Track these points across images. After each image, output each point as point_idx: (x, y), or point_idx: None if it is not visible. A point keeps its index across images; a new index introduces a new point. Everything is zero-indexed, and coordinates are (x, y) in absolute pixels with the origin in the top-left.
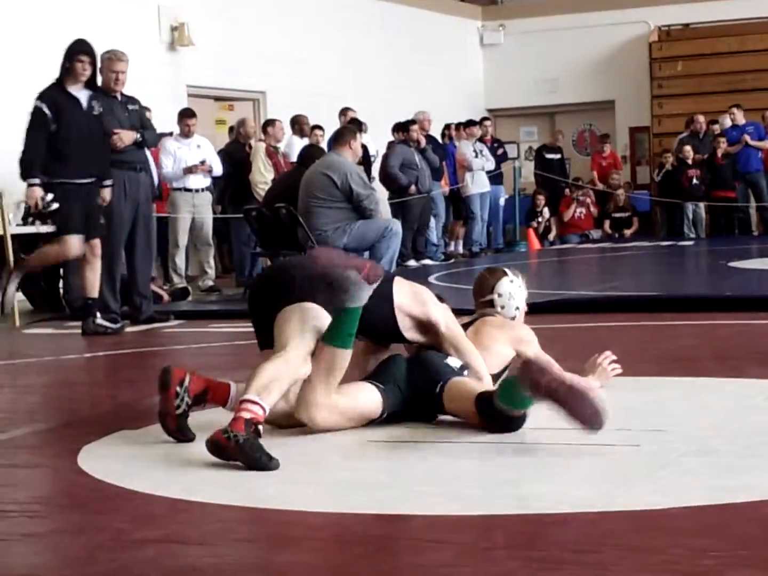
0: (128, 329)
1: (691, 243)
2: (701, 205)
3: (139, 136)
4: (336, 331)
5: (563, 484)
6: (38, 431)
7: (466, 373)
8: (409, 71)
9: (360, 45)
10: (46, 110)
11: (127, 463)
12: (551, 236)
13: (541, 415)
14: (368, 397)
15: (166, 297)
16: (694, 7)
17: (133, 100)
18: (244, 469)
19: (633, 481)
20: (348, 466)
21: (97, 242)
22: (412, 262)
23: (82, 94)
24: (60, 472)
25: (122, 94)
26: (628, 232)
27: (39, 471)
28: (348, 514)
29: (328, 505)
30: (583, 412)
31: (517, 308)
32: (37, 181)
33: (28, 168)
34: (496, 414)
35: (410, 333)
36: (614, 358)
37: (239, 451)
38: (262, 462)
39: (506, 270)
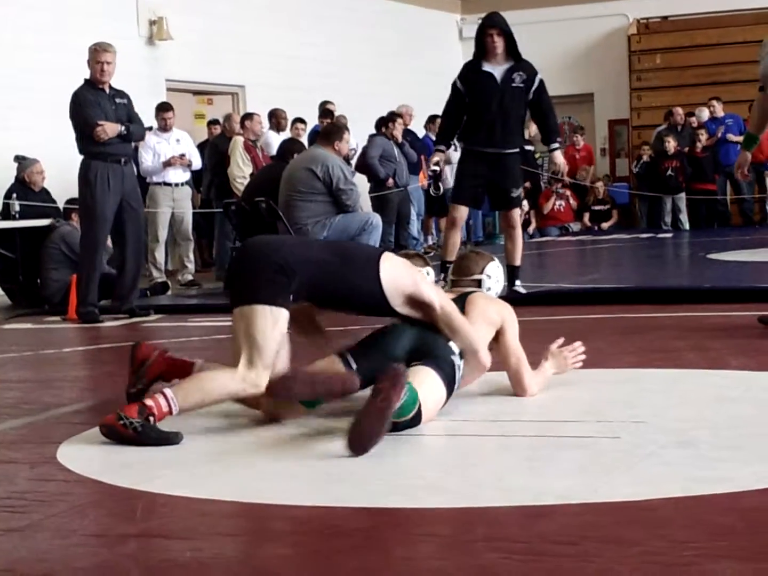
0: (108, 323)
1: (670, 235)
2: (682, 196)
3: (123, 128)
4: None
5: (545, 476)
6: (18, 426)
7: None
8: (388, 65)
9: (339, 39)
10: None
11: (107, 458)
12: (531, 229)
13: (523, 409)
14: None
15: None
16: None
17: (121, 93)
18: (227, 464)
19: (614, 472)
20: (332, 460)
21: None
22: None
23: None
24: (40, 467)
25: (110, 87)
26: (606, 225)
27: (18, 466)
28: (332, 507)
29: (312, 498)
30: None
31: (497, 294)
32: None
33: None
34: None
35: (403, 309)
36: (582, 350)
37: (139, 438)
38: (168, 439)
39: (489, 255)
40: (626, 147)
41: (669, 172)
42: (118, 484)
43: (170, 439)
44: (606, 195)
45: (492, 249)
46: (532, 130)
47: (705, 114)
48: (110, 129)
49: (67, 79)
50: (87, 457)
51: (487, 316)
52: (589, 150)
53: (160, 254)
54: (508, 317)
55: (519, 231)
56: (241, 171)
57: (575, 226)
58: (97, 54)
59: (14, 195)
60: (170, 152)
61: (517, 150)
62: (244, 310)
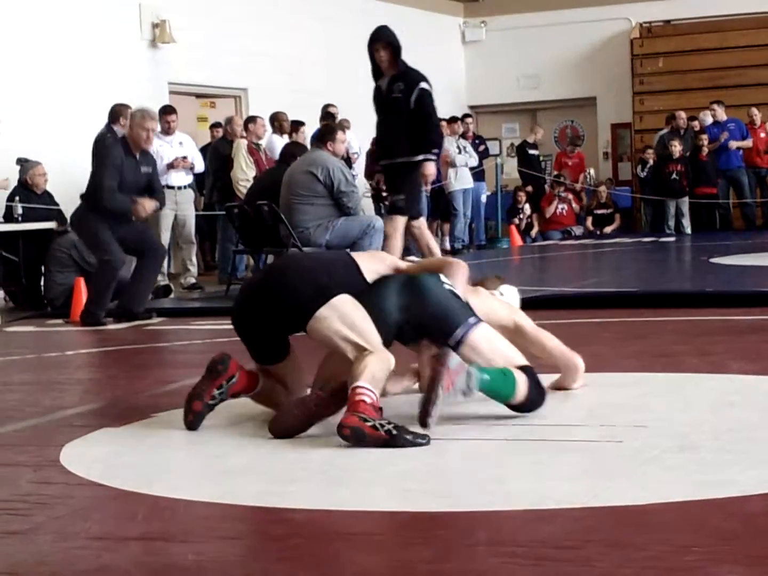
0: (111, 327)
1: (672, 239)
2: (685, 200)
3: (157, 204)
4: None
5: (547, 480)
6: (20, 429)
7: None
8: None
9: (342, 42)
10: None
11: (109, 461)
12: (533, 233)
13: (524, 412)
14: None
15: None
16: (675, 3)
17: (150, 159)
18: (228, 467)
19: (616, 477)
20: (332, 464)
21: None
22: None
23: None
24: (42, 470)
25: (141, 152)
26: (609, 229)
27: (21, 469)
28: (332, 510)
29: (312, 501)
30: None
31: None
32: None
33: None
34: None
35: None
36: None
37: (392, 440)
38: (416, 442)
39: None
40: (629, 151)
41: (673, 176)
42: (120, 487)
43: (419, 440)
44: (609, 199)
45: (495, 253)
46: (538, 134)
47: (709, 118)
48: (148, 206)
49: (69, 81)
50: (89, 460)
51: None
52: (581, 157)
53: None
54: (515, 310)
55: (395, 239)
56: (245, 174)
57: (578, 230)
58: (144, 121)
59: (17, 198)
60: (173, 155)
61: (400, 160)
62: (322, 312)
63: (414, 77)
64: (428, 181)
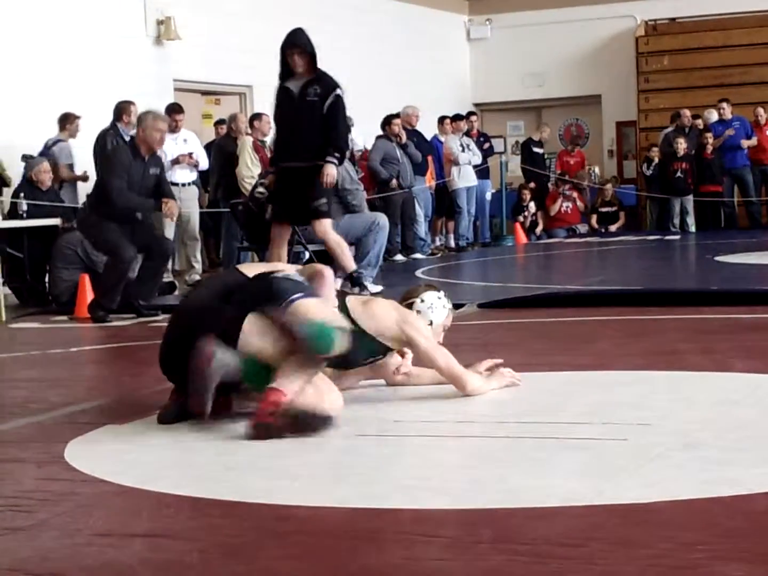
0: (116, 323)
1: (677, 237)
2: (690, 198)
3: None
4: None
5: (551, 477)
6: (25, 425)
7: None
8: (395, 65)
9: (347, 39)
10: None
11: (114, 457)
12: (538, 230)
13: (528, 410)
14: None
15: None
16: (680, 1)
17: (157, 161)
18: (232, 464)
19: (620, 474)
20: (336, 461)
21: None
22: (399, 257)
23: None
24: (46, 466)
25: (150, 154)
26: (613, 227)
27: (25, 465)
28: (336, 508)
29: (315, 499)
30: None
31: (430, 323)
32: None
33: None
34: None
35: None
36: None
37: (290, 423)
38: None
39: (440, 289)
40: (634, 149)
41: (678, 174)
42: (125, 484)
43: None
44: (613, 197)
45: (499, 251)
46: (545, 132)
47: (714, 116)
48: (174, 209)
49: (74, 78)
50: (94, 456)
51: (376, 315)
52: (582, 156)
53: None
54: (404, 321)
55: (332, 239)
56: (250, 171)
57: (582, 228)
58: (157, 122)
59: (22, 194)
60: (177, 152)
61: (317, 163)
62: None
63: (330, 82)
64: (330, 183)
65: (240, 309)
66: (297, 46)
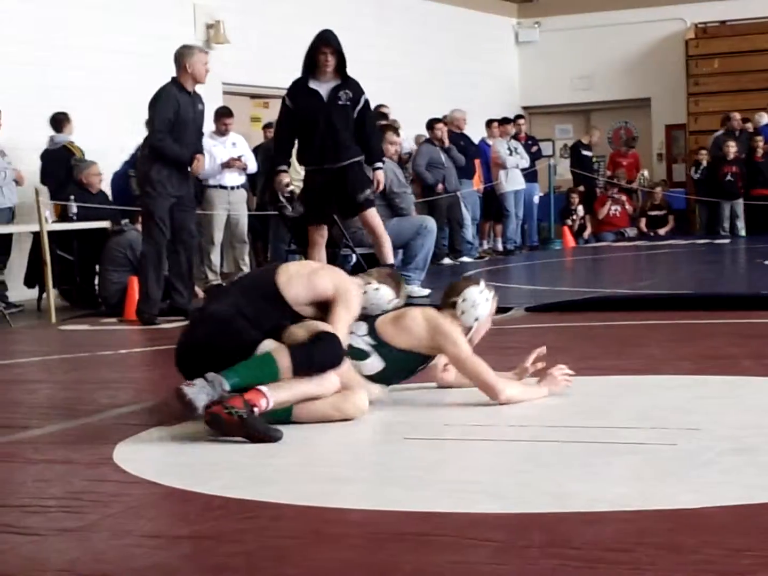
0: (164, 326)
1: (727, 241)
2: (740, 202)
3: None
4: None
5: (600, 482)
6: (74, 427)
7: None
8: (444, 69)
9: (396, 42)
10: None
11: (162, 459)
12: (586, 234)
13: (577, 415)
14: None
15: (200, 293)
16: (730, 3)
17: (200, 98)
18: (282, 467)
19: (669, 479)
20: (386, 464)
21: None
22: (447, 260)
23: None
24: (95, 468)
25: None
26: (662, 231)
27: (75, 467)
28: (386, 511)
29: (366, 502)
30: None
31: (476, 319)
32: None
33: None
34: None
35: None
36: (568, 372)
37: (244, 426)
38: (270, 433)
39: (480, 281)
40: (683, 152)
41: (728, 177)
42: (174, 486)
43: (273, 433)
44: (663, 200)
45: (547, 254)
46: (594, 136)
47: (764, 119)
48: (201, 166)
49: (123, 81)
50: (143, 458)
51: (407, 328)
52: (636, 157)
53: (215, 256)
54: (436, 330)
55: (380, 231)
56: (298, 174)
57: (631, 232)
58: (202, 56)
59: (72, 197)
60: (226, 156)
61: (354, 160)
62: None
63: (359, 88)
64: (379, 189)
65: (260, 337)
66: (331, 46)
